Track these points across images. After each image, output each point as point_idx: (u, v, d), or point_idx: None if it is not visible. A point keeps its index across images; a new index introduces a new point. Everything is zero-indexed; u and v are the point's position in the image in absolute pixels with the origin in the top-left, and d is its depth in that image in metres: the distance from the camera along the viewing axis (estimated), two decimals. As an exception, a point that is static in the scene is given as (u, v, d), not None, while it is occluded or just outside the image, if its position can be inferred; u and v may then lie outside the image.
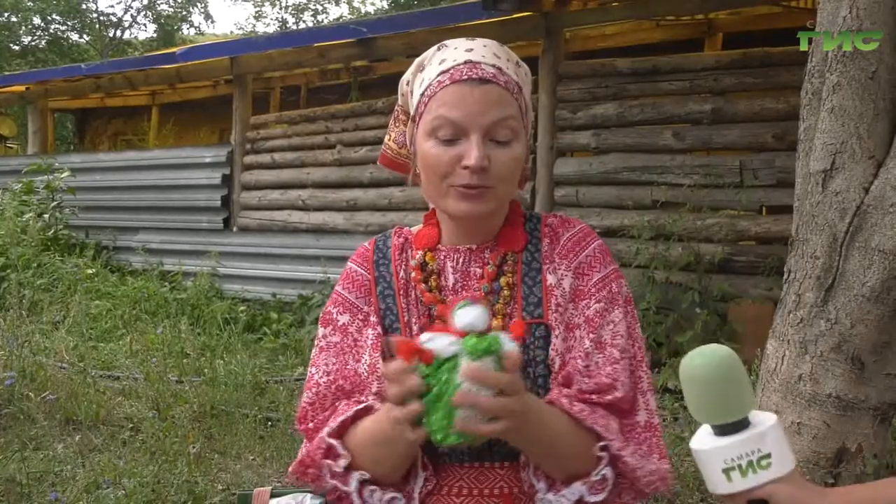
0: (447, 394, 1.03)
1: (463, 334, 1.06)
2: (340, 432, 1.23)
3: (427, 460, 1.23)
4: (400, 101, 1.33)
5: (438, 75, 1.21)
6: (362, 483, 1.21)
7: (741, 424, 0.99)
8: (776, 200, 5.21)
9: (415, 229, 1.36)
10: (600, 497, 1.16)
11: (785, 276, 3.13)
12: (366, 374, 1.25)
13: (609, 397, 1.18)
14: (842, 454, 2.94)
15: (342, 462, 1.21)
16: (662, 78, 5.86)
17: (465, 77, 1.19)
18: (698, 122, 5.66)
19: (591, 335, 1.21)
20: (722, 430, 1.00)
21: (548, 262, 1.27)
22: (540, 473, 1.19)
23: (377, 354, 1.25)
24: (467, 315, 1.06)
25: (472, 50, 1.23)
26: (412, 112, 1.26)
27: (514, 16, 6.42)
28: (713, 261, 5.21)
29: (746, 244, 5.45)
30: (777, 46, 5.43)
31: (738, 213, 5.41)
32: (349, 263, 1.36)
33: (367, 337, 1.28)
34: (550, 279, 1.26)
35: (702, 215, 5.37)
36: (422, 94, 1.23)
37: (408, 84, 1.29)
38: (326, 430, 1.23)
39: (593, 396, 1.18)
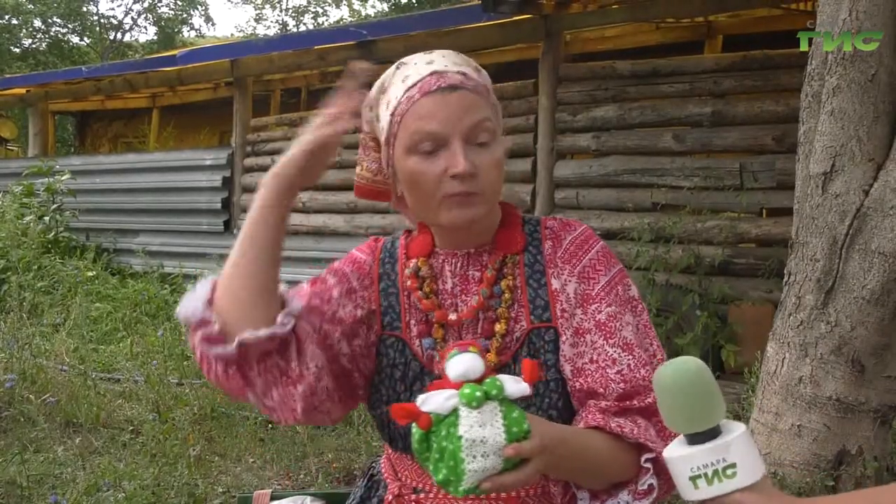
0: (448, 450, 0.99)
1: (459, 385, 1.01)
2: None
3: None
4: (366, 129, 1.30)
5: (406, 92, 1.21)
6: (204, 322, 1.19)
7: (711, 434, 1.02)
8: (776, 203, 5.21)
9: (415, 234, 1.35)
10: (645, 503, 1.17)
11: (785, 279, 3.13)
12: (319, 313, 1.26)
13: (648, 400, 1.18)
14: (842, 456, 2.94)
15: (203, 296, 1.21)
16: (662, 80, 5.87)
17: (436, 87, 1.19)
18: (698, 125, 5.67)
19: (610, 339, 1.21)
20: (693, 439, 1.03)
21: (551, 266, 1.27)
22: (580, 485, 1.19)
23: (343, 322, 1.26)
24: (459, 365, 1.02)
25: (432, 62, 1.23)
26: (384, 136, 1.24)
27: (514, 18, 6.42)
28: (713, 263, 5.21)
29: (746, 246, 5.44)
30: (777, 49, 5.43)
31: (738, 216, 5.41)
32: (354, 251, 1.36)
33: (345, 307, 1.28)
34: (555, 283, 1.25)
35: (702, 217, 5.37)
36: (392, 115, 1.22)
37: (371, 110, 1.27)
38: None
39: (634, 402, 1.18)
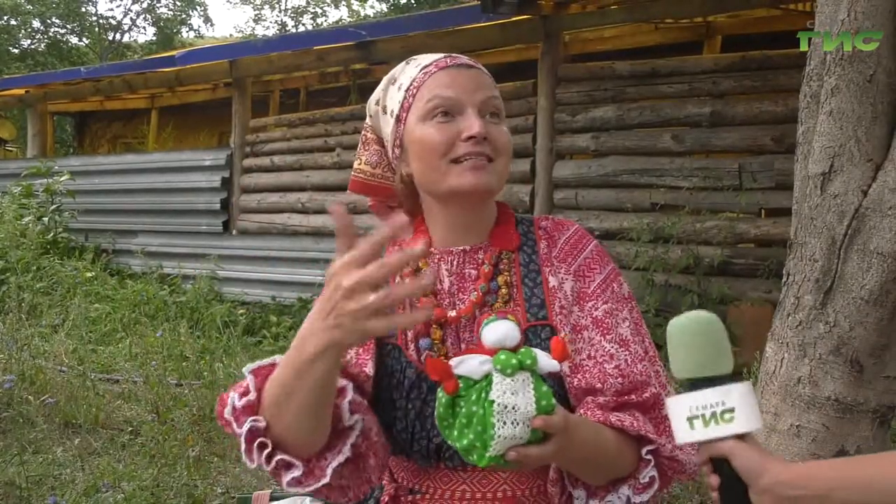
0: (477, 414, 0.99)
1: (493, 352, 1.02)
2: (266, 373, 1.12)
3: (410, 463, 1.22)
4: (369, 123, 1.33)
5: (422, 70, 1.25)
6: (255, 432, 1.08)
7: (715, 381, 1.04)
8: (775, 203, 5.22)
9: (408, 237, 1.35)
10: (646, 496, 1.17)
11: (784, 279, 3.13)
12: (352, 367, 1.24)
13: (646, 394, 1.19)
14: (841, 456, 2.94)
15: (245, 399, 1.10)
16: (661, 81, 5.87)
17: (452, 64, 1.25)
18: (697, 125, 5.67)
19: (608, 335, 1.22)
20: (696, 384, 1.05)
21: (547, 264, 1.28)
22: (577, 482, 1.18)
23: (356, 349, 1.24)
24: (496, 331, 1.03)
25: (443, 54, 1.29)
26: (397, 112, 1.26)
27: (513, 19, 6.43)
28: (712, 263, 5.21)
29: (745, 247, 5.45)
30: (776, 49, 5.44)
31: (736, 216, 5.42)
32: None
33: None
34: (552, 281, 1.26)
35: (701, 218, 5.37)
36: (406, 91, 1.25)
37: (377, 103, 1.30)
38: (252, 366, 1.14)
39: (633, 397, 1.19)
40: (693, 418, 1.03)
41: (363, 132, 1.35)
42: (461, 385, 1.01)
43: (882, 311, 2.81)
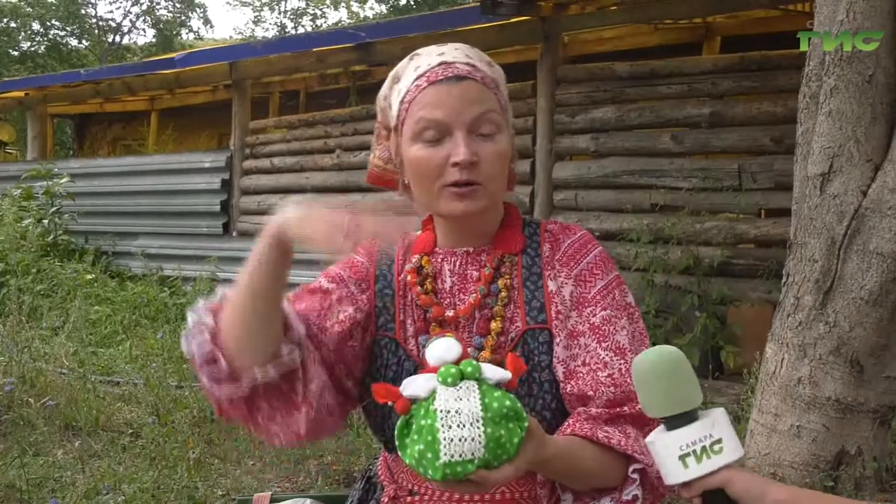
0: (426, 426, 1.00)
1: (438, 369, 1.04)
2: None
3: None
4: (379, 118, 1.33)
5: (415, 80, 1.23)
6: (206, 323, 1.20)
7: (690, 416, 1.06)
8: (775, 203, 5.22)
9: (417, 234, 1.36)
10: None
11: (784, 280, 3.13)
12: (318, 330, 1.26)
13: (639, 406, 1.16)
14: (841, 457, 2.94)
15: (209, 304, 1.22)
16: (660, 81, 5.87)
17: (442, 77, 1.21)
18: (697, 126, 5.67)
19: (603, 343, 1.21)
20: (673, 422, 1.06)
21: (549, 268, 1.27)
22: (565, 486, 1.19)
23: (340, 328, 1.26)
24: (436, 349, 1.05)
25: (443, 53, 1.25)
26: (393, 122, 1.26)
27: (513, 20, 6.43)
28: (712, 264, 5.21)
29: (745, 247, 5.45)
30: (775, 50, 5.44)
31: (736, 217, 5.42)
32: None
33: (344, 311, 1.28)
34: (551, 286, 1.25)
35: (700, 218, 5.37)
36: (401, 102, 1.24)
37: (385, 99, 1.30)
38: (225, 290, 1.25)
39: (625, 408, 1.18)
40: (685, 456, 1.04)
41: (376, 126, 1.36)
42: (413, 405, 1.03)
43: (882, 311, 2.81)
